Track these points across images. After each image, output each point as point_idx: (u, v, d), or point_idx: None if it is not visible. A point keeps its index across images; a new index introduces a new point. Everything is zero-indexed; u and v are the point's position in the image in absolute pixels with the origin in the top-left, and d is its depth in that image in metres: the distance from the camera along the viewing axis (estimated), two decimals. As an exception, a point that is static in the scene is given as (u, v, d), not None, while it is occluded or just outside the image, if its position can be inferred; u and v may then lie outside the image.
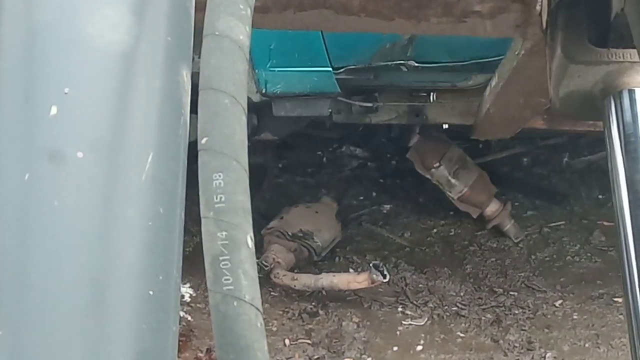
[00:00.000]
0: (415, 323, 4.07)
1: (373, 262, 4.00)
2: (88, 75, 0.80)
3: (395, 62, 3.71)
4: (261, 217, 4.49)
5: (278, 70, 3.78)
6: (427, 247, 4.67)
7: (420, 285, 4.31)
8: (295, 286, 4.11)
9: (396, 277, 4.33)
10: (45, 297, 0.73)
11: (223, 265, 0.75)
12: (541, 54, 1.74)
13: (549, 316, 4.09)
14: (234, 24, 0.83)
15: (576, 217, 4.85)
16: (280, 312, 4.13)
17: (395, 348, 3.92)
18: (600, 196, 4.97)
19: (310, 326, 4.04)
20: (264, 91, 3.82)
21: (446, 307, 4.15)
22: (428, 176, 4.55)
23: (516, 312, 4.10)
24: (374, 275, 3.85)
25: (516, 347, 3.88)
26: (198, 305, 4.06)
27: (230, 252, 0.75)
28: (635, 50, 1.46)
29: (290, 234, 4.32)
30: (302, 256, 4.34)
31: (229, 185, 0.77)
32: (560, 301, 4.18)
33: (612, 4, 1.50)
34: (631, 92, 1.51)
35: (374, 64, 3.76)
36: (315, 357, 3.84)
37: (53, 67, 0.79)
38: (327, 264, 4.48)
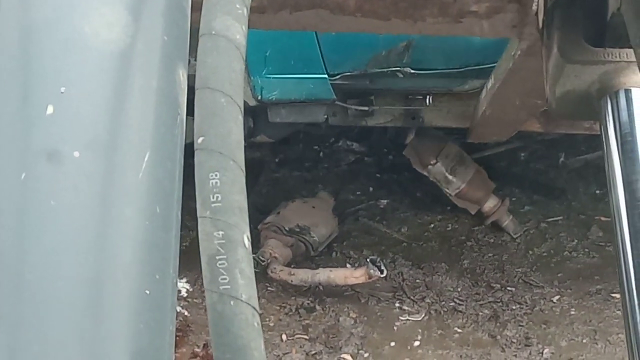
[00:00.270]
0: (412, 318, 4.08)
1: (370, 257, 3.99)
2: (84, 74, 0.79)
3: (391, 69, 3.71)
4: (258, 212, 4.49)
5: (274, 77, 3.78)
6: (424, 242, 4.67)
7: (418, 281, 4.31)
8: (292, 281, 4.11)
9: (393, 272, 4.33)
10: (42, 297, 0.73)
11: (220, 264, 0.75)
12: (537, 54, 1.74)
13: (546, 312, 4.09)
14: (230, 23, 0.83)
15: (574, 212, 4.85)
16: (277, 308, 4.13)
17: (392, 343, 3.92)
18: (597, 191, 4.97)
19: (307, 321, 4.05)
20: (259, 98, 3.83)
21: (443, 303, 4.16)
22: (425, 173, 4.55)
23: (514, 307, 4.10)
24: (371, 271, 3.86)
25: (514, 342, 3.88)
26: (195, 300, 4.06)
27: (226, 251, 0.75)
28: (631, 50, 1.46)
29: (287, 229, 4.32)
30: (299, 251, 4.34)
31: (225, 184, 0.77)
32: (557, 297, 4.18)
33: (608, 4, 1.50)
34: (627, 92, 1.51)
35: (370, 71, 3.75)
36: (313, 352, 3.84)
37: (49, 66, 0.79)
38: (324, 259, 4.48)
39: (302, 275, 4.09)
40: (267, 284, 4.20)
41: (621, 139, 1.45)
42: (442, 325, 4.03)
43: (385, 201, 5.01)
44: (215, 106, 0.80)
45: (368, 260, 3.93)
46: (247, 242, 0.78)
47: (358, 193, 5.08)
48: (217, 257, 0.76)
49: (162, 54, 0.83)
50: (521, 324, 4.00)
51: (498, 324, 4.01)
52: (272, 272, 4.13)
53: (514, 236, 4.65)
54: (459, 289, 4.26)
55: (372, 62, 3.72)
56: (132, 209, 0.78)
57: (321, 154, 5.39)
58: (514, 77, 2.24)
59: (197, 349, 3.74)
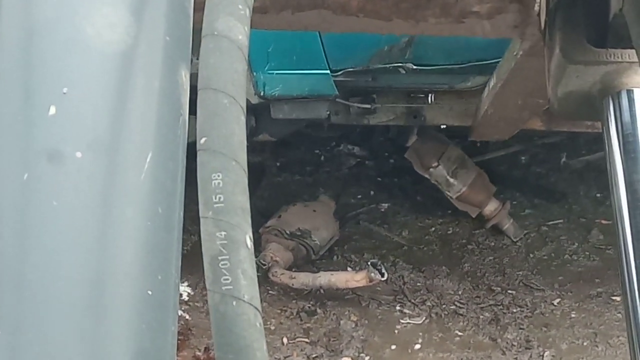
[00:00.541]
0: (413, 322, 4.08)
1: (371, 260, 3.99)
2: (86, 75, 0.79)
3: (393, 65, 3.71)
4: (259, 216, 4.49)
5: (276, 73, 3.78)
6: (425, 245, 4.67)
7: (419, 284, 4.31)
8: (293, 285, 4.11)
9: (394, 275, 4.33)
10: (44, 297, 0.73)
11: (222, 265, 0.75)
12: (539, 54, 1.74)
13: (547, 315, 4.09)
14: (232, 24, 0.83)
15: (574, 215, 4.85)
16: (279, 311, 4.13)
17: (393, 347, 3.92)
18: (598, 194, 4.97)
19: (308, 325, 4.04)
20: (262, 94, 3.82)
21: (444, 306, 4.15)
22: (427, 176, 4.55)
23: (514, 310, 4.10)
24: (372, 274, 3.85)
25: (514, 345, 3.88)
26: (196, 304, 4.06)
27: (229, 252, 0.75)
28: (633, 51, 1.46)
29: (288, 232, 4.32)
30: (300, 255, 4.34)
31: (228, 185, 0.77)
32: (558, 300, 4.18)
33: (610, 4, 1.50)
34: (630, 93, 1.51)
35: (372, 67, 3.75)
36: (314, 355, 3.84)
37: (51, 67, 0.79)
38: (325, 262, 4.48)
39: (303, 279, 4.09)
40: (268, 288, 4.20)
41: (623, 140, 1.45)
42: (442, 329, 4.02)
43: (386, 205, 5.01)
44: (217, 107, 0.80)
45: (369, 263, 3.93)
46: (250, 243, 0.77)
47: (359, 197, 5.08)
48: (220, 258, 0.76)
49: (165, 54, 0.83)
50: (522, 327, 4.00)
51: (499, 327, 4.01)
52: (273, 275, 4.13)
53: (515, 240, 4.65)
54: (460, 292, 4.26)
55: (375, 58, 3.72)
56: (134, 210, 0.78)
57: (322, 157, 5.38)
58: (516, 77, 2.24)
59: (198, 353, 3.74)
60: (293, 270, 4.23)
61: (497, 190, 4.68)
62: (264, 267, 4.13)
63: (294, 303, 4.18)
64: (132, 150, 0.79)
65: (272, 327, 3.99)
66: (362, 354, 3.87)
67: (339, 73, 3.78)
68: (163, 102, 0.82)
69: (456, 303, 4.17)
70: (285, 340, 3.94)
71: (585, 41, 1.56)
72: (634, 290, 1.34)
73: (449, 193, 4.54)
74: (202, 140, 0.78)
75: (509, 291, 4.25)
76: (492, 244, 4.64)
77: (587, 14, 1.57)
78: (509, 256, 4.55)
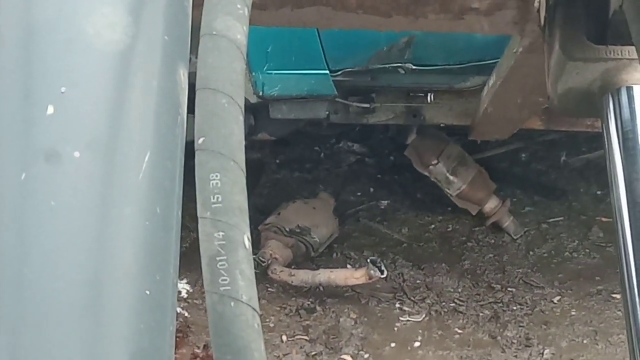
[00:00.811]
0: (412, 319, 4.07)
1: (370, 258, 3.99)
2: (85, 74, 0.79)
3: (392, 65, 3.70)
4: (258, 213, 4.49)
5: (275, 73, 3.77)
6: (424, 243, 4.67)
7: (418, 282, 4.31)
8: (292, 282, 4.11)
9: (394, 273, 4.33)
10: (43, 297, 0.73)
11: (220, 265, 0.75)
12: (539, 51, 1.74)
13: (547, 312, 4.09)
14: (231, 23, 0.83)
15: (574, 213, 4.85)
16: (278, 308, 4.13)
17: (392, 344, 3.92)
18: (598, 192, 4.97)
19: (307, 322, 4.04)
20: (261, 94, 3.82)
21: (444, 303, 4.15)
22: (426, 173, 4.54)
23: (514, 308, 4.10)
24: (372, 271, 3.85)
25: (514, 343, 3.88)
26: (195, 301, 4.06)
27: (227, 252, 0.75)
28: (633, 48, 1.46)
29: (287, 229, 4.31)
30: (299, 252, 4.34)
31: (226, 185, 0.77)
32: (558, 297, 4.18)
33: (610, 1, 1.50)
34: (629, 90, 1.52)
35: (372, 67, 3.75)
36: (313, 353, 3.84)
37: (50, 66, 0.79)
38: (325, 259, 4.47)
39: (303, 276, 4.09)
40: (268, 285, 4.20)
41: (623, 137, 1.45)
42: (442, 326, 4.02)
43: (386, 202, 5.01)
44: (216, 107, 0.80)
45: (368, 261, 3.93)
46: (248, 243, 0.77)
47: (359, 194, 5.08)
48: (218, 258, 0.76)
49: (163, 54, 0.83)
50: (522, 324, 4.00)
51: (498, 325, 4.01)
52: (272, 272, 4.13)
53: (515, 237, 4.65)
54: (460, 290, 4.26)
55: (374, 58, 3.72)
56: (132, 210, 0.78)
57: (322, 154, 5.38)
58: (516, 74, 2.23)
59: (197, 350, 3.74)
60: (292, 267, 4.23)
61: (497, 187, 4.68)
62: (263, 265, 4.13)
63: (293, 300, 4.18)
64: (131, 149, 0.79)
65: (271, 325, 3.99)
66: (361, 352, 3.87)
67: (338, 73, 3.77)
68: (161, 102, 0.82)
69: (456, 300, 4.17)
70: (284, 337, 3.94)
71: (585, 38, 1.56)
72: (633, 288, 1.34)
73: (448, 191, 4.53)
74: (200, 140, 0.78)
75: (509, 289, 4.25)
76: (492, 241, 4.64)
77: (587, 10, 1.57)
78: (508, 254, 4.54)
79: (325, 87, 3.81)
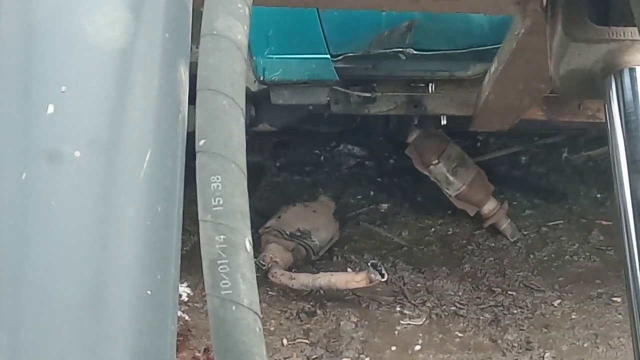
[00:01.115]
0: (413, 323, 4.07)
1: (371, 261, 3.99)
2: (85, 73, 0.79)
3: (393, 50, 3.69)
4: (259, 216, 4.48)
5: (276, 58, 3.75)
6: (425, 246, 4.66)
7: (419, 285, 4.30)
8: (293, 285, 4.11)
9: (394, 276, 4.32)
10: (43, 297, 0.73)
11: (221, 269, 0.75)
12: (541, 32, 1.74)
13: (547, 316, 4.08)
14: (232, 23, 0.83)
15: (575, 216, 4.85)
16: (278, 312, 4.12)
17: (393, 348, 3.92)
18: (598, 195, 4.97)
19: (308, 326, 4.04)
20: (262, 78, 3.79)
21: (444, 307, 4.15)
22: (426, 173, 4.54)
23: (515, 311, 4.10)
24: (372, 275, 3.85)
25: (515, 347, 3.87)
26: (196, 304, 4.05)
27: (228, 256, 0.75)
28: (635, 29, 1.46)
29: (288, 233, 4.31)
30: (299, 255, 4.33)
31: (227, 188, 0.76)
32: (558, 301, 4.18)
33: None
34: (632, 71, 1.52)
35: (373, 52, 3.73)
36: (314, 356, 3.83)
37: (50, 66, 0.79)
38: (325, 263, 4.47)
39: (303, 280, 4.08)
40: (268, 288, 4.20)
41: (625, 118, 1.46)
42: (443, 330, 4.02)
43: (386, 205, 5.00)
44: (216, 108, 0.80)
45: (369, 264, 3.92)
46: (249, 246, 0.77)
47: (359, 197, 5.08)
48: (219, 262, 0.75)
49: (164, 51, 0.83)
50: (522, 328, 3.99)
51: (499, 328, 4.00)
52: (272, 276, 4.12)
53: (512, 240, 4.64)
54: (460, 293, 4.26)
55: (375, 43, 3.70)
56: (133, 209, 0.78)
57: (322, 158, 5.38)
58: (518, 58, 2.22)
59: (198, 354, 3.73)
60: (293, 271, 4.23)
61: (498, 190, 4.67)
62: (264, 268, 4.13)
63: (293, 304, 4.17)
64: (131, 148, 0.79)
65: (272, 328, 3.99)
66: (362, 355, 3.86)
67: (339, 58, 3.75)
68: (162, 100, 0.82)
69: (456, 304, 4.17)
70: (285, 341, 3.93)
71: (587, 19, 1.56)
72: (636, 273, 1.34)
73: (448, 191, 4.53)
74: (201, 142, 0.78)
75: (509, 292, 4.24)
76: (493, 244, 4.63)
77: None
78: (509, 257, 4.54)
79: (326, 72, 3.79)
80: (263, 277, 4.10)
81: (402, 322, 4.07)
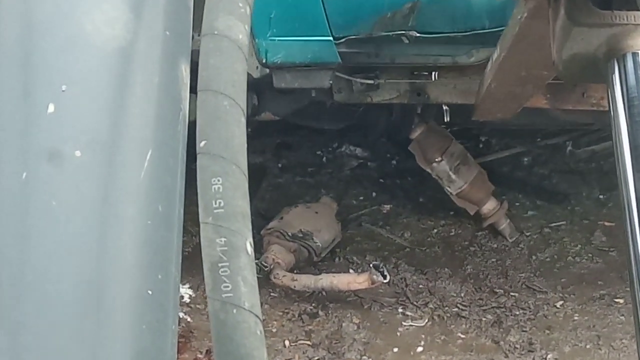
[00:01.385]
0: (415, 324, 4.06)
1: (373, 262, 3.99)
2: (85, 72, 0.79)
3: (396, 32, 3.67)
4: (261, 218, 4.48)
5: (278, 40, 3.72)
6: (427, 247, 4.66)
7: (421, 286, 4.30)
8: (295, 287, 4.10)
9: (396, 277, 4.32)
10: (44, 297, 0.74)
11: (222, 272, 0.74)
12: (543, 17, 1.73)
13: (549, 317, 4.08)
14: (232, 23, 0.82)
15: (577, 217, 4.84)
16: (280, 313, 4.12)
17: (395, 349, 3.91)
18: (601, 196, 4.96)
19: (310, 327, 4.03)
20: (264, 61, 3.76)
21: (447, 308, 4.14)
22: (428, 170, 4.53)
23: (517, 313, 4.09)
24: (374, 276, 3.84)
25: (517, 348, 3.87)
26: (197, 306, 4.05)
27: (229, 258, 0.74)
28: (639, 13, 1.46)
29: (290, 234, 4.31)
30: (301, 257, 4.33)
31: (228, 190, 0.76)
32: (561, 302, 4.17)
33: None
34: (635, 55, 1.52)
35: (375, 34, 3.71)
36: (316, 358, 3.83)
37: (50, 65, 0.79)
38: (327, 264, 4.47)
39: (305, 281, 4.08)
40: (270, 290, 4.19)
41: (628, 103, 1.46)
42: (445, 331, 4.01)
43: (388, 206, 5.00)
44: (217, 109, 0.79)
45: (371, 265, 3.92)
46: (250, 249, 0.77)
47: (361, 198, 5.08)
48: (220, 265, 0.75)
49: (164, 49, 0.83)
50: (524, 329, 3.99)
51: (501, 330, 4.00)
52: (275, 277, 4.12)
53: (510, 240, 4.64)
54: (462, 295, 4.25)
55: (377, 25, 3.67)
56: (134, 209, 0.78)
57: (324, 159, 5.38)
58: (520, 42, 2.22)
59: (199, 355, 3.73)
60: (295, 272, 4.22)
61: (500, 191, 4.67)
62: (266, 269, 4.12)
63: (295, 305, 4.17)
64: (132, 148, 0.79)
65: (274, 330, 3.98)
66: (364, 357, 3.86)
67: (342, 41, 3.73)
68: (163, 98, 0.81)
69: (459, 305, 4.16)
70: (287, 342, 3.93)
71: (590, 3, 1.56)
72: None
73: (449, 189, 4.52)
74: (202, 144, 0.77)
75: (512, 293, 4.24)
76: (495, 245, 4.63)
77: None
78: (511, 258, 4.53)
79: (329, 55, 3.77)
80: (265, 278, 4.10)
81: (404, 323, 4.07)
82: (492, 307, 4.15)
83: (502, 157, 5.14)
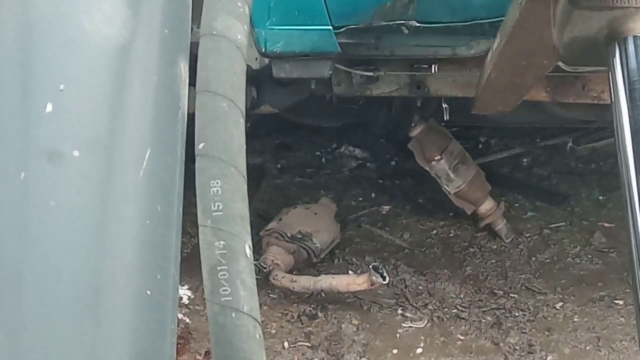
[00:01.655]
0: (415, 325, 4.06)
1: (372, 263, 3.98)
2: (84, 71, 0.79)
3: (396, 22, 3.66)
4: (260, 219, 4.48)
5: (278, 29, 3.71)
6: (426, 248, 4.66)
7: (420, 287, 4.29)
8: (294, 288, 4.10)
9: (396, 279, 4.31)
10: (43, 297, 0.74)
11: (221, 275, 0.74)
12: (544, 1, 1.73)
13: (549, 319, 4.07)
14: (231, 23, 0.82)
15: (577, 218, 4.84)
16: (279, 315, 4.11)
17: (394, 351, 3.91)
18: (600, 197, 4.96)
19: (309, 329, 4.03)
20: (263, 50, 3.75)
21: (446, 310, 4.14)
22: (427, 168, 4.53)
23: (516, 314, 4.09)
24: (374, 277, 3.84)
25: (517, 349, 3.87)
26: (196, 307, 4.05)
27: (228, 261, 0.74)
28: None
29: (289, 235, 4.30)
30: (301, 258, 4.33)
31: (227, 192, 0.75)
32: (560, 303, 4.17)
33: None
34: (636, 39, 1.52)
35: (375, 24, 3.70)
36: None
37: (48, 64, 0.79)
38: (326, 265, 4.46)
39: (304, 282, 4.08)
40: (269, 291, 4.19)
41: (629, 86, 1.46)
42: (444, 333, 4.01)
43: (387, 207, 5.00)
44: (216, 111, 0.79)
45: (370, 266, 3.92)
46: (249, 252, 0.76)
47: (360, 199, 5.07)
48: (218, 268, 0.75)
49: (163, 47, 0.83)
50: (524, 331, 3.98)
51: (501, 331, 3.99)
52: (273, 279, 4.12)
53: (507, 240, 4.64)
54: (462, 296, 4.25)
55: (377, 15, 3.66)
56: (133, 208, 0.78)
57: (323, 159, 5.38)
58: (521, 30, 2.21)
59: (198, 357, 3.73)
60: (294, 273, 4.22)
61: (499, 192, 4.67)
62: (265, 271, 4.12)
63: (294, 306, 4.16)
64: (131, 147, 0.79)
65: (273, 331, 3.98)
66: (363, 358, 3.85)
67: (342, 30, 3.72)
68: (161, 97, 0.81)
69: (458, 307, 4.16)
70: (286, 344, 3.93)
71: None
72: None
73: (447, 188, 4.52)
74: (201, 146, 0.77)
75: (511, 295, 4.24)
76: (494, 247, 4.63)
77: None
78: (511, 259, 4.53)
79: (328, 44, 3.75)
80: (264, 279, 4.09)
81: (403, 325, 4.07)
82: (492, 309, 4.15)
83: (501, 158, 5.15)
